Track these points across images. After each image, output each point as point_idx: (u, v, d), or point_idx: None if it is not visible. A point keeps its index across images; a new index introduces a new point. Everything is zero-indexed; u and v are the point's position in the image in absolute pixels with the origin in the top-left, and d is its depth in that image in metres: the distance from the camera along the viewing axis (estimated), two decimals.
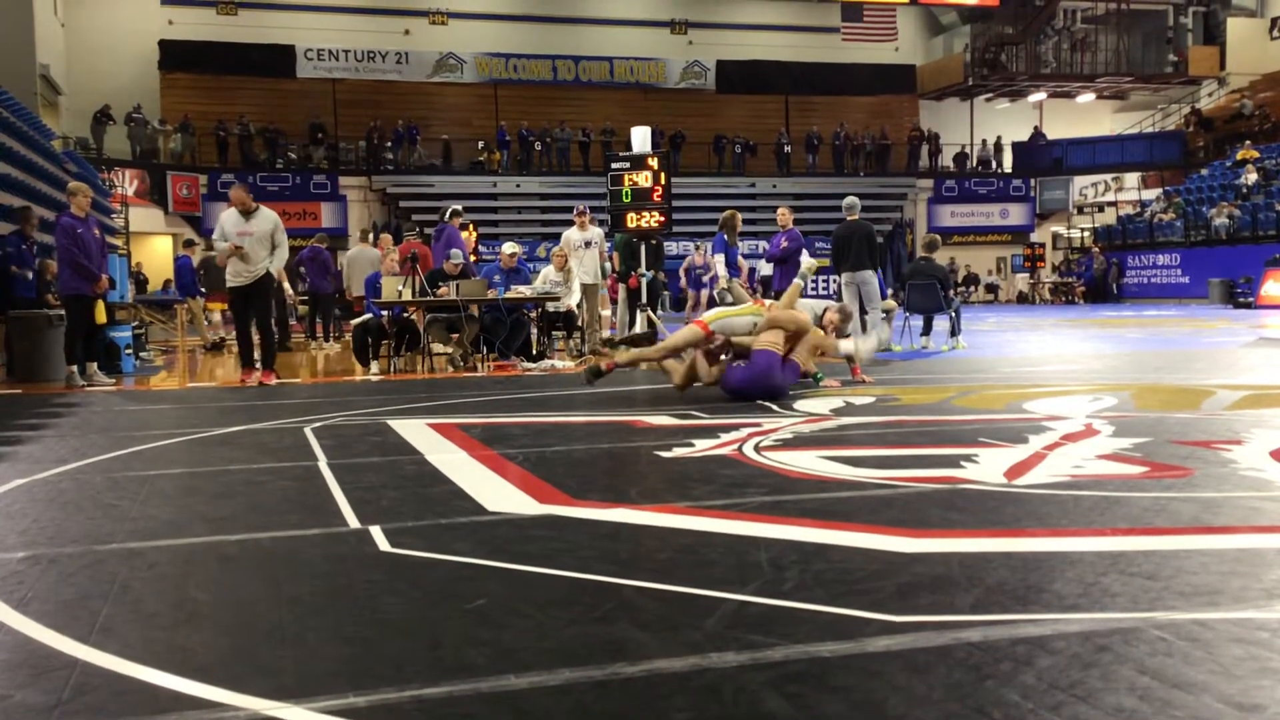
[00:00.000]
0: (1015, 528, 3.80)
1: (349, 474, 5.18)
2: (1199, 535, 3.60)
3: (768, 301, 9.22)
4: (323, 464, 5.52)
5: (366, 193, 33.54)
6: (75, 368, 10.78)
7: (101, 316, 11.13)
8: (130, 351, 12.68)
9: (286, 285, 13.14)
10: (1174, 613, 2.77)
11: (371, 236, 17.35)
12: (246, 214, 10.56)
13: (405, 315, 12.08)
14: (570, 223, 14.68)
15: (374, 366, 11.68)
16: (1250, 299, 24.74)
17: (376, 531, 3.91)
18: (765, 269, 13.85)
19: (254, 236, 10.46)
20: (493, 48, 36.50)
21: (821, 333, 8.94)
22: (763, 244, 28.35)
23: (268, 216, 10.65)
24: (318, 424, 7.15)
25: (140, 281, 25.05)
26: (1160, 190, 35.24)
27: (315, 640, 2.77)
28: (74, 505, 4.64)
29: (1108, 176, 38.78)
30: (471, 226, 16.91)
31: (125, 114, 31.08)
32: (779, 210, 14.12)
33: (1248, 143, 32.89)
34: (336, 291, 17.45)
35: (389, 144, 34.24)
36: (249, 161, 32.82)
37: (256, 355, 10.73)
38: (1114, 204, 37.87)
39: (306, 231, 24.83)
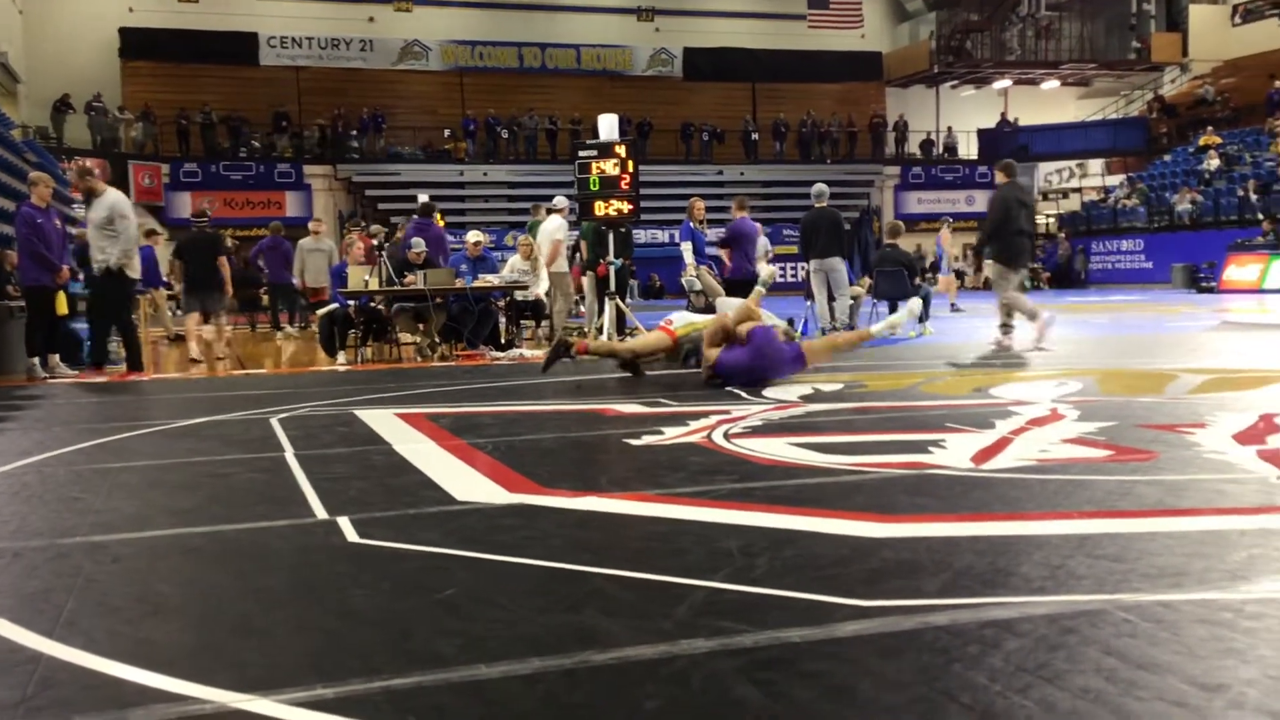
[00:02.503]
0: (982, 512, 3.82)
1: (316, 465, 5.14)
2: (1163, 518, 3.63)
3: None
4: (289, 455, 5.49)
5: (331, 181, 33.29)
6: (36, 360, 10.65)
7: (63, 308, 10.98)
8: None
9: (166, 272, 13.06)
10: (1139, 594, 2.79)
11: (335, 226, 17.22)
12: (91, 200, 10.28)
13: (372, 305, 12.00)
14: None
15: (341, 356, 11.61)
16: (1213, 284, 25.00)
17: (344, 522, 3.89)
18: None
19: (93, 225, 10.20)
20: (458, 35, 36.31)
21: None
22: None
23: (105, 201, 10.30)
24: (284, 415, 7.10)
25: None
26: (1124, 176, 35.54)
27: (283, 632, 2.75)
28: (37, 498, 4.58)
29: (1072, 163, 39.08)
30: (439, 215, 16.81)
31: (85, 103, 30.69)
32: (734, 200, 14.17)
33: (1210, 129, 33.21)
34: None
35: (354, 132, 34.00)
36: (212, 150, 32.52)
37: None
38: (1079, 190, 38.17)
39: (268, 221, 24.62)
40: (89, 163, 20.70)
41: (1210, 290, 24.62)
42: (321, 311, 12.78)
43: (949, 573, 3.04)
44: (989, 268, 11.40)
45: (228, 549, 3.66)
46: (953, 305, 19.85)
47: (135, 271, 10.73)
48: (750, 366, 7.88)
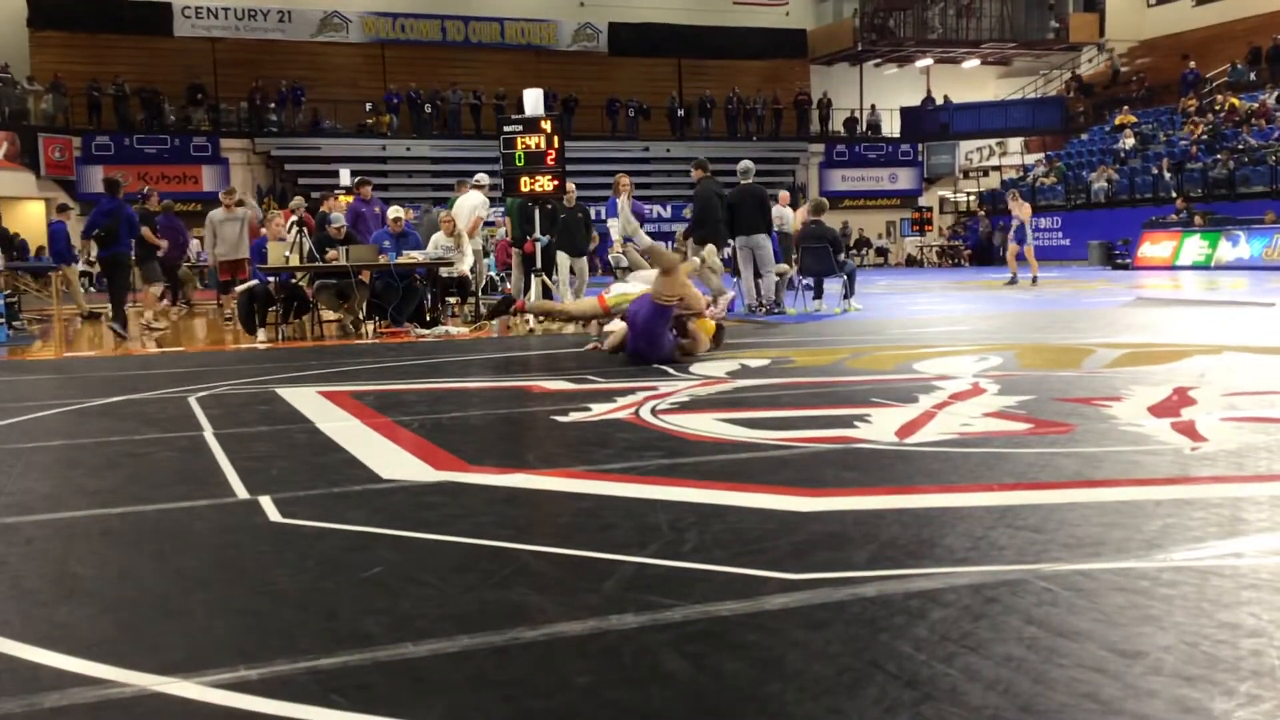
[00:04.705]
0: (907, 485, 3.87)
1: (237, 444, 5.05)
2: (1081, 489, 3.71)
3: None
4: (209, 434, 5.38)
5: (250, 155, 32.60)
6: None
7: None
8: (3, 321, 12.21)
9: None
10: (1059, 564, 2.85)
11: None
12: None
13: (293, 281, 11.80)
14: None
15: (261, 334, 11.40)
16: (1128, 260, 25.54)
17: (266, 502, 3.82)
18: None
19: None
20: (379, 6, 35.64)
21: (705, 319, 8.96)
22: (657, 208, 28.37)
23: None
24: (203, 393, 6.96)
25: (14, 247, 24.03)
26: (1042, 154, 36.13)
27: (204, 614, 2.69)
28: None
29: (992, 141, 39.57)
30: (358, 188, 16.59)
31: None
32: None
33: (1125, 108, 33.88)
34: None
35: (272, 105, 33.31)
36: (124, 123, 31.66)
37: None
38: (998, 168, 38.70)
39: (184, 196, 24.12)
40: None
41: (1125, 267, 25.14)
42: (241, 288, 12.54)
43: (875, 545, 3.07)
44: (702, 251, 12.34)
45: (146, 530, 3.57)
46: (1012, 278, 19.61)
47: None
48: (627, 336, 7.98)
